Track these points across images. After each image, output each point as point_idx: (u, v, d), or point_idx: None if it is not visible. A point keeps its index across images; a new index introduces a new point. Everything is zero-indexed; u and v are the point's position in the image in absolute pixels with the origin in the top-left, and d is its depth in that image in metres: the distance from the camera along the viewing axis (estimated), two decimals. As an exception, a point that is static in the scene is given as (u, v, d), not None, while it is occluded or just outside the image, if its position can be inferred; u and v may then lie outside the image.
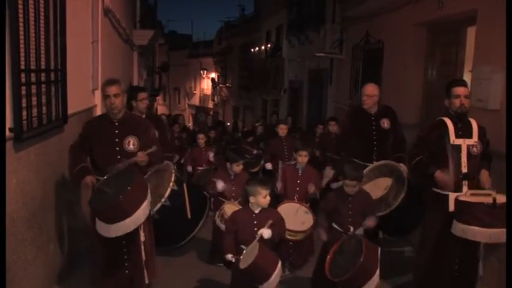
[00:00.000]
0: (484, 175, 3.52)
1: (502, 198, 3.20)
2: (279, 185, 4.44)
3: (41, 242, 3.45)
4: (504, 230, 3.08)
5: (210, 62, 27.45)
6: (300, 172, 4.53)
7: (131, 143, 3.56)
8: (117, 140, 3.55)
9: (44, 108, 3.41)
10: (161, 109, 26.97)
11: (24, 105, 2.99)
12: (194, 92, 30.88)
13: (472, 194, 3.39)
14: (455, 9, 5.06)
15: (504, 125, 3.65)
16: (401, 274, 4.25)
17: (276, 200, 4.30)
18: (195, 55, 30.20)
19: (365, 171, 4.23)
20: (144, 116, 4.59)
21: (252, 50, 19.23)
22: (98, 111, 5.30)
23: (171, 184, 4.17)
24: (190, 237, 4.62)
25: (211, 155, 6.55)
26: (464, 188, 3.49)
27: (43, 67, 3.34)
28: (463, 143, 3.52)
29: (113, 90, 3.50)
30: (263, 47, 17.74)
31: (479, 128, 3.58)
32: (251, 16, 21.51)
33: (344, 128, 5.14)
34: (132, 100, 4.75)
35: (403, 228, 4.53)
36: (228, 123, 19.53)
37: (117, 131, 3.56)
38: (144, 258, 3.48)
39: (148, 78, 15.68)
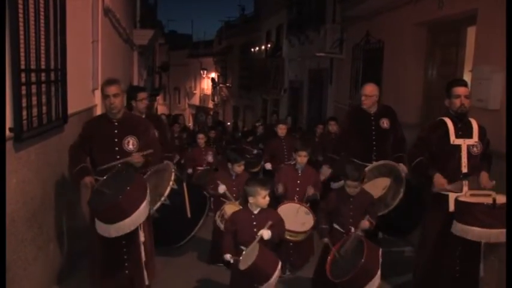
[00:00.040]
0: (484, 177, 3.51)
1: (501, 199, 3.19)
2: (280, 188, 4.40)
3: (41, 242, 3.45)
4: (504, 230, 3.07)
5: (210, 62, 27.45)
6: (299, 172, 4.52)
7: (130, 143, 3.56)
8: (116, 140, 3.55)
9: (44, 108, 3.40)
10: (161, 109, 26.96)
11: (24, 105, 2.98)
12: (194, 91, 30.88)
13: (472, 195, 3.39)
14: (455, 9, 5.06)
15: (504, 125, 3.65)
16: (401, 274, 4.24)
17: (276, 200, 4.29)
18: (195, 55, 30.19)
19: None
20: (143, 116, 4.59)
21: (252, 49, 19.23)
22: (98, 111, 5.30)
23: (170, 183, 4.17)
24: (190, 237, 4.62)
25: (210, 157, 6.53)
26: (465, 188, 3.49)
27: (43, 67, 3.34)
28: (463, 143, 3.52)
29: (112, 90, 3.50)
30: (263, 47, 17.73)
31: (480, 128, 3.58)
32: (251, 16, 21.50)
33: (343, 128, 5.13)
34: (132, 100, 4.75)
35: (403, 229, 4.53)
36: (229, 123, 19.53)
37: (116, 131, 3.56)
38: (144, 258, 3.48)
39: (149, 78, 15.68)
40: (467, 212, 3.28)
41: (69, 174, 3.82)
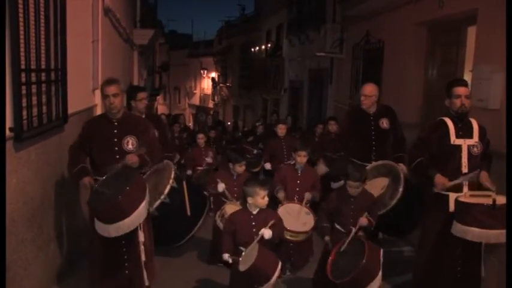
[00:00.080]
0: (484, 176, 3.51)
1: (501, 200, 3.19)
2: (281, 195, 4.37)
3: (41, 242, 3.45)
4: (504, 231, 3.07)
5: (211, 62, 27.45)
6: (299, 172, 4.51)
7: (130, 143, 3.55)
8: (116, 139, 3.54)
9: (44, 107, 3.41)
10: (161, 109, 26.96)
11: (24, 104, 2.99)
12: (194, 91, 30.88)
13: (472, 195, 3.38)
14: (455, 8, 5.06)
15: (504, 125, 3.65)
16: (401, 274, 4.24)
17: (274, 201, 4.29)
18: (196, 55, 30.19)
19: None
20: (143, 116, 4.59)
21: (253, 49, 19.22)
22: (98, 111, 5.30)
23: (170, 181, 4.17)
24: (189, 237, 4.61)
25: (209, 158, 6.53)
26: (465, 189, 3.49)
27: (43, 66, 3.34)
28: (464, 143, 3.52)
29: (112, 90, 3.49)
30: (263, 47, 17.72)
31: (480, 128, 3.58)
32: (251, 15, 21.49)
33: (343, 128, 5.14)
34: (131, 100, 4.74)
35: (403, 228, 4.53)
36: (229, 123, 19.53)
37: (116, 131, 3.56)
38: (144, 258, 3.48)
39: (149, 77, 15.68)
40: (467, 213, 3.28)
41: (69, 174, 3.82)
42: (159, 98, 24.04)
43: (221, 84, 25.04)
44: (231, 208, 4.11)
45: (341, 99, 9.30)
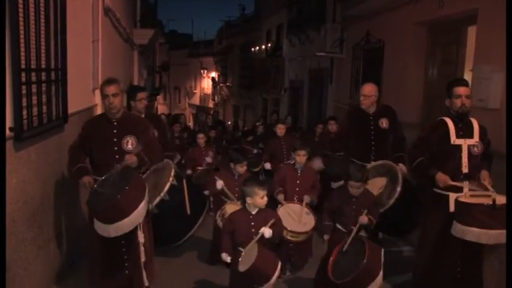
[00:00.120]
0: (484, 175, 3.50)
1: (501, 199, 3.18)
2: (280, 197, 4.35)
3: (42, 242, 3.45)
4: (504, 231, 3.06)
5: (211, 61, 27.44)
6: (299, 172, 4.49)
7: (130, 143, 3.54)
8: (115, 139, 3.53)
9: (44, 107, 3.41)
10: (161, 108, 26.95)
11: (24, 104, 2.99)
12: (194, 91, 30.88)
13: (471, 195, 3.38)
14: (455, 8, 5.06)
15: (504, 125, 3.65)
16: (401, 273, 4.24)
17: (274, 201, 4.28)
18: (196, 54, 30.19)
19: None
20: (143, 116, 4.58)
21: (253, 49, 19.22)
22: (99, 111, 5.29)
23: (170, 179, 4.16)
24: (188, 237, 4.61)
25: (209, 157, 6.53)
26: (465, 189, 3.48)
27: (43, 66, 3.34)
28: (464, 143, 3.51)
29: (111, 89, 3.48)
30: (263, 46, 17.72)
31: (480, 127, 3.57)
32: (251, 15, 21.49)
33: (343, 128, 5.14)
34: (131, 100, 4.74)
35: (401, 228, 4.53)
36: (229, 122, 19.53)
37: (115, 131, 3.55)
38: (143, 259, 3.47)
39: (149, 77, 15.68)
40: (467, 213, 3.27)
41: (69, 174, 3.82)
42: (159, 98, 24.04)
43: (221, 84, 25.04)
44: (231, 208, 4.10)
45: (341, 99, 9.31)
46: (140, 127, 3.67)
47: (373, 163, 4.50)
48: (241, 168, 4.47)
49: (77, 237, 4.22)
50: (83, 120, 4.01)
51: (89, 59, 5.19)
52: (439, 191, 3.56)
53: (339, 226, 3.72)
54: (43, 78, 3.36)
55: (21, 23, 2.84)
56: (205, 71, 28.39)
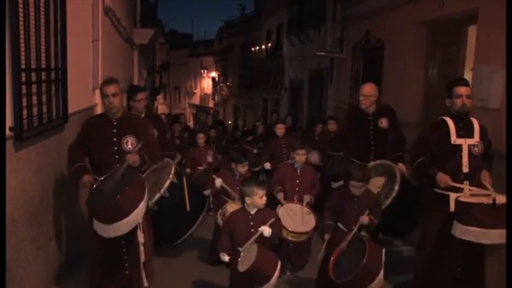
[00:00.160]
0: (485, 175, 3.50)
1: (501, 199, 3.18)
2: (280, 196, 4.35)
3: (42, 241, 3.45)
4: (504, 231, 3.06)
5: (211, 61, 27.45)
6: (298, 172, 4.49)
7: (129, 143, 3.52)
8: (115, 139, 3.52)
9: (44, 107, 3.41)
10: (162, 108, 26.97)
11: (24, 104, 2.99)
12: (195, 91, 30.89)
13: (471, 195, 3.38)
14: (456, 8, 5.06)
15: (504, 124, 3.65)
16: (402, 273, 4.24)
17: (273, 201, 4.28)
18: (196, 54, 30.19)
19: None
20: (143, 116, 4.58)
21: (253, 49, 19.22)
22: (99, 110, 5.29)
23: (171, 176, 4.15)
24: (186, 236, 4.60)
25: (210, 156, 6.53)
26: (465, 189, 3.48)
27: (43, 66, 3.34)
28: (464, 142, 3.51)
29: (111, 89, 3.47)
30: (264, 46, 17.72)
31: (481, 127, 3.57)
32: (252, 15, 21.49)
33: (342, 128, 5.14)
34: (130, 100, 4.74)
35: (400, 228, 4.53)
36: (229, 122, 19.53)
37: (115, 131, 3.53)
38: (143, 259, 3.47)
39: (149, 77, 15.68)
40: (467, 212, 3.27)
41: (68, 173, 3.81)
42: (159, 98, 24.06)
43: (221, 84, 25.05)
44: (232, 207, 4.10)
45: (341, 98, 9.31)
46: (140, 127, 3.66)
47: (372, 163, 4.50)
48: (242, 168, 4.47)
49: (76, 237, 4.22)
50: (83, 120, 4.01)
51: (89, 59, 5.19)
52: (440, 191, 3.55)
53: (340, 226, 3.72)
54: (43, 78, 3.36)
55: (21, 23, 2.84)
56: (206, 71, 28.40)
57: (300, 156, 4.42)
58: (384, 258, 3.24)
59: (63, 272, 3.91)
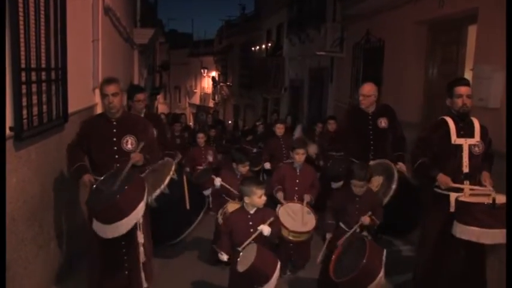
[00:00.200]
0: (485, 176, 3.50)
1: (501, 199, 3.18)
2: (280, 195, 4.35)
3: (42, 241, 3.45)
4: (504, 230, 3.06)
5: (211, 61, 27.44)
6: (298, 171, 4.48)
7: (129, 143, 3.52)
8: (115, 139, 3.51)
9: (44, 106, 3.41)
10: (162, 108, 26.94)
11: (24, 103, 2.99)
12: (195, 90, 30.88)
13: (471, 194, 3.37)
14: (456, 7, 5.06)
15: (504, 124, 3.64)
16: (402, 273, 4.24)
17: (273, 201, 4.27)
18: (196, 54, 30.18)
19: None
20: (142, 115, 4.57)
21: (253, 48, 19.21)
22: (99, 110, 5.29)
23: (171, 173, 4.14)
24: (186, 235, 4.59)
25: (210, 156, 6.52)
26: (466, 189, 3.48)
27: (43, 66, 3.34)
28: (465, 142, 3.50)
29: (111, 89, 3.46)
30: (264, 46, 17.71)
31: (481, 127, 3.56)
32: (252, 15, 21.48)
33: (341, 127, 5.14)
34: (129, 100, 4.74)
35: (399, 228, 4.53)
36: (230, 122, 19.52)
37: (115, 130, 3.53)
38: (143, 259, 3.46)
39: (149, 76, 15.67)
40: (467, 212, 3.27)
41: (68, 173, 3.81)
42: (160, 97, 24.05)
43: (221, 84, 25.05)
44: (233, 207, 4.09)
45: (341, 98, 9.31)
46: (139, 126, 3.65)
47: (371, 162, 4.50)
48: (243, 168, 4.46)
49: (76, 237, 4.22)
50: (83, 119, 4.01)
51: (89, 59, 5.19)
52: (440, 190, 3.55)
53: (342, 225, 3.71)
54: (43, 77, 3.36)
55: (21, 23, 2.84)
56: (206, 71, 28.39)
57: (299, 156, 4.41)
58: (384, 259, 3.23)
59: (63, 271, 3.91)
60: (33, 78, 3.15)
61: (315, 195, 4.40)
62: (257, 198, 3.21)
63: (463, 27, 5.29)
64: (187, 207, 4.37)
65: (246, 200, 3.26)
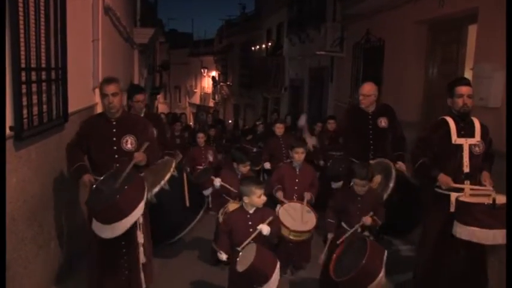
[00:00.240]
0: (485, 176, 3.50)
1: (502, 199, 3.18)
2: (279, 194, 4.35)
3: (42, 241, 3.45)
4: (504, 230, 3.06)
5: (211, 61, 27.44)
6: (297, 170, 4.47)
7: (129, 142, 3.51)
8: (114, 139, 3.50)
9: (44, 106, 3.40)
10: (162, 107, 26.95)
11: (24, 103, 2.99)
12: (195, 90, 30.88)
13: (472, 194, 3.37)
14: (456, 7, 5.06)
15: (504, 123, 3.64)
16: (402, 272, 4.24)
17: (273, 200, 4.27)
18: (196, 53, 30.17)
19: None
20: (142, 115, 4.57)
21: (253, 48, 19.21)
22: (99, 110, 5.28)
23: (171, 169, 4.14)
24: (184, 234, 4.57)
25: (210, 156, 6.52)
26: (466, 188, 3.48)
27: (44, 65, 3.34)
28: (465, 142, 3.50)
29: (111, 89, 3.45)
30: (264, 45, 17.71)
31: (482, 127, 3.56)
32: (252, 14, 21.47)
33: (341, 127, 5.14)
34: (129, 100, 4.74)
35: (401, 228, 4.53)
36: (230, 121, 19.52)
37: (114, 130, 3.52)
38: (143, 260, 3.46)
39: (149, 76, 15.67)
40: (467, 212, 3.27)
41: (68, 172, 3.81)
42: (160, 97, 24.05)
43: (221, 83, 25.04)
44: (233, 207, 4.08)
45: (341, 97, 9.31)
46: (139, 126, 3.64)
47: (371, 162, 4.50)
48: (244, 168, 4.45)
49: (76, 236, 4.22)
50: (83, 119, 4.01)
51: (89, 58, 5.19)
52: (440, 190, 3.55)
53: (343, 225, 3.71)
54: (43, 77, 3.36)
55: (21, 22, 2.84)
56: (206, 70, 28.39)
57: (298, 155, 4.40)
58: (385, 259, 3.22)
59: (63, 271, 3.91)
60: (33, 77, 3.15)
61: (315, 194, 4.39)
62: (256, 198, 3.21)
63: (463, 27, 5.29)
64: (187, 204, 4.36)
65: (246, 199, 3.26)
